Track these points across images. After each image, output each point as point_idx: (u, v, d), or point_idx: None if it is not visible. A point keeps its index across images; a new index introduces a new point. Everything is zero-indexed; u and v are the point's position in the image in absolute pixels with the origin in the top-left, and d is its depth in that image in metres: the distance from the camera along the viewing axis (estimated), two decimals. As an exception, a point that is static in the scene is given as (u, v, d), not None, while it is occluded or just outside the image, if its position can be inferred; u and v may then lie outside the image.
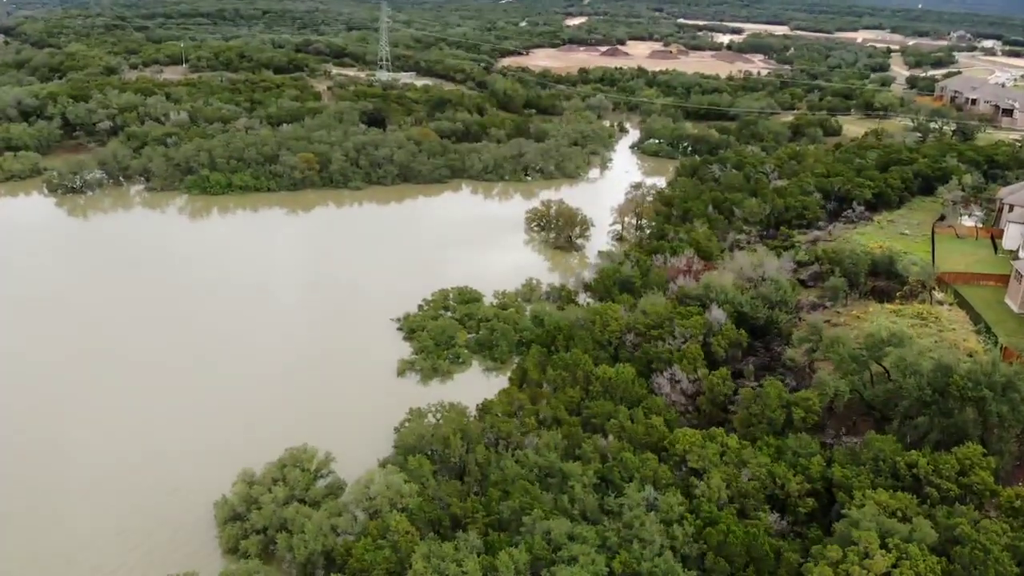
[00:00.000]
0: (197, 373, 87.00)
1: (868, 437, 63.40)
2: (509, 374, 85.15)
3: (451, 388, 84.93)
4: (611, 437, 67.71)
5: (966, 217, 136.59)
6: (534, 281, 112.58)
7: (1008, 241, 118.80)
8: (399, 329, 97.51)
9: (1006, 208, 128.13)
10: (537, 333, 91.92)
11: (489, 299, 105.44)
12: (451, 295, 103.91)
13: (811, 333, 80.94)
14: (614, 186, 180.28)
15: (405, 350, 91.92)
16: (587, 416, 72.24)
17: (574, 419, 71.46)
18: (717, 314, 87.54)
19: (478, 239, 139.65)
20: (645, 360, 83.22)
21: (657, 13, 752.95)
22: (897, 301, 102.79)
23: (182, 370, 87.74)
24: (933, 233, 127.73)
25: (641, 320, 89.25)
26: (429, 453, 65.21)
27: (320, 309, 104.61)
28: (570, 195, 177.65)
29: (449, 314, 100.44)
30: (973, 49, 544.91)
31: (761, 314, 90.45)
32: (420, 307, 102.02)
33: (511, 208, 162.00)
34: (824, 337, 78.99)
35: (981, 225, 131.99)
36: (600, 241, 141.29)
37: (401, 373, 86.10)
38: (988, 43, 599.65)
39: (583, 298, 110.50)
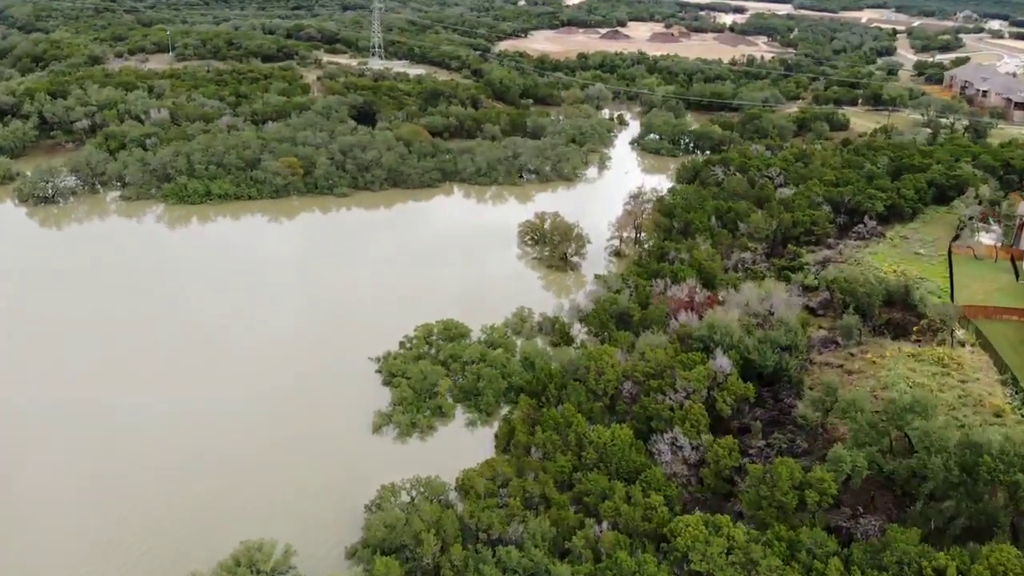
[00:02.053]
0: (146, 437, 79.50)
1: (890, 534, 56.63)
2: (495, 430, 78.39)
3: (431, 447, 78.08)
4: (605, 524, 61.02)
5: (984, 234, 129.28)
6: (525, 311, 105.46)
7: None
8: (378, 371, 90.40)
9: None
10: (527, 379, 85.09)
11: (477, 333, 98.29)
12: (435, 330, 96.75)
13: (825, 394, 74.02)
14: (613, 188, 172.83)
15: (383, 398, 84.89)
16: (579, 492, 65.57)
17: (564, 497, 64.81)
18: (722, 362, 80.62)
19: (468, 254, 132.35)
20: (644, 416, 76.46)
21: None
22: (914, 336, 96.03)
23: (128, 431, 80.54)
24: (950, 254, 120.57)
25: (640, 367, 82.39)
26: (400, 549, 58.36)
27: (295, 345, 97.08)
28: (567, 198, 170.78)
29: (433, 351, 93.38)
30: (980, 31, 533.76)
31: (770, 361, 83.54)
32: (402, 343, 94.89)
33: (504, 215, 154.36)
34: (840, 399, 72.03)
35: (1000, 244, 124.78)
36: (598, 255, 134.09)
37: (377, 429, 79.09)
38: (995, 24, 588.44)
39: (577, 328, 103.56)
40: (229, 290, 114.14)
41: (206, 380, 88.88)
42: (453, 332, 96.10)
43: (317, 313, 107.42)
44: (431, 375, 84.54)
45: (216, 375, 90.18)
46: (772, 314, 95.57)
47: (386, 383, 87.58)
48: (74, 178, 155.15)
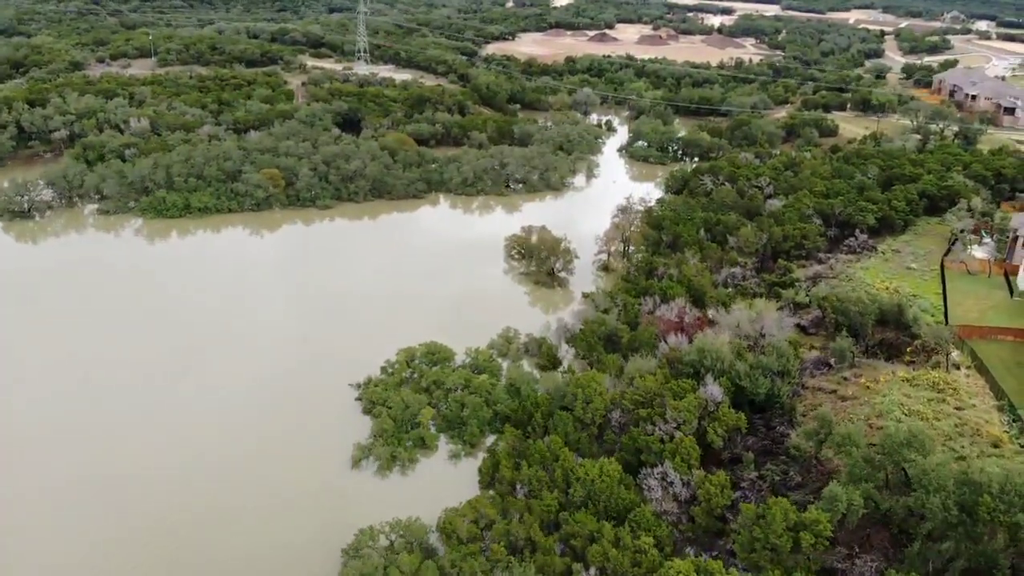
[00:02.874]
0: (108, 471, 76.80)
1: (890, 581, 54.46)
2: (479, 463, 75.79)
3: (413, 482, 75.38)
4: (593, 570, 58.61)
5: (976, 247, 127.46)
6: (511, 331, 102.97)
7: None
8: (358, 399, 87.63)
9: (1020, 241, 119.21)
10: (512, 407, 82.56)
11: (461, 356, 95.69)
12: (418, 354, 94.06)
13: (819, 425, 71.79)
14: (601, 198, 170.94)
15: (363, 428, 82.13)
16: (566, 534, 63.13)
17: (550, 540, 62.37)
18: (713, 390, 78.30)
19: (453, 270, 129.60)
20: (633, 448, 74.12)
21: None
22: (908, 357, 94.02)
23: (93, 464, 77.85)
24: (943, 269, 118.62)
25: (629, 395, 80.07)
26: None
27: (272, 371, 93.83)
28: (554, 208, 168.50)
29: (416, 376, 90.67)
30: (968, 32, 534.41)
31: (762, 388, 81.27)
32: (384, 368, 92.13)
33: (491, 227, 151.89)
34: (834, 432, 69.81)
35: (994, 258, 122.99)
36: (586, 269, 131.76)
37: (357, 463, 76.31)
38: (982, 25, 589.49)
39: (565, 349, 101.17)
40: (204, 309, 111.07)
41: (175, 408, 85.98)
42: (436, 356, 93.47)
43: (296, 334, 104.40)
44: (413, 404, 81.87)
45: (187, 402, 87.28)
46: (763, 336, 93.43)
47: (367, 411, 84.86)
48: (51, 191, 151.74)
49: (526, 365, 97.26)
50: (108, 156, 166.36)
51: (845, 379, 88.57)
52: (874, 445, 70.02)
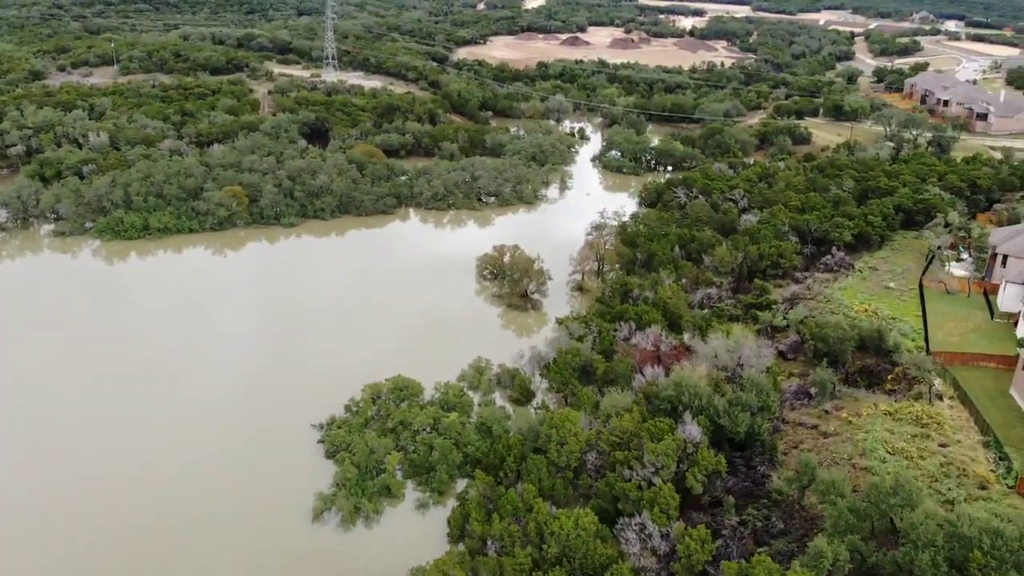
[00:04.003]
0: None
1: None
2: (449, 514, 72.10)
3: (378, 536, 71.41)
4: (567, 640, 55.29)
5: (955, 264, 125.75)
6: (483, 362, 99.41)
7: (1005, 302, 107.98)
8: (320, 442, 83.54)
9: (999, 259, 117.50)
10: (484, 450, 78.98)
11: (430, 392, 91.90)
12: (384, 390, 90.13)
13: (802, 472, 68.95)
14: (575, 212, 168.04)
15: (326, 474, 78.00)
16: (539, 597, 59.73)
17: (523, 604, 58.88)
18: (691, 430, 75.20)
19: (423, 291, 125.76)
20: (610, 495, 70.86)
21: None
22: (889, 385, 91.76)
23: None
24: (922, 288, 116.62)
25: (605, 436, 76.83)
26: None
27: (229, 408, 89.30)
28: (527, 222, 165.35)
29: (382, 414, 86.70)
30: (937, 32, 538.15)
31: (741, 427, 78.34)
32: (348, 407, 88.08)
33: (462, 244, 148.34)
34: (818, 479, 66.93)
35: (972, 275, 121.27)
36: (560, 290, 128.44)
37: (318, 516, 72.29)
38: (951, 25, 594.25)
39: (539, 380, 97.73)
40: (157, 342, 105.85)
41: (123, 454, 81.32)
42: (404, 392, 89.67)
43: (256, 368, 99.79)
44: (378, 449, 77.99)
45: (135, 443, 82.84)
46: (741, 366, 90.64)
47: (329, 456, 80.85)
48: (4, 212, 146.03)
49: (498, 399, 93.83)
50: (65, 173, 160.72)
51: (826, 412, 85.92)
52: (859, 491, 67.34)
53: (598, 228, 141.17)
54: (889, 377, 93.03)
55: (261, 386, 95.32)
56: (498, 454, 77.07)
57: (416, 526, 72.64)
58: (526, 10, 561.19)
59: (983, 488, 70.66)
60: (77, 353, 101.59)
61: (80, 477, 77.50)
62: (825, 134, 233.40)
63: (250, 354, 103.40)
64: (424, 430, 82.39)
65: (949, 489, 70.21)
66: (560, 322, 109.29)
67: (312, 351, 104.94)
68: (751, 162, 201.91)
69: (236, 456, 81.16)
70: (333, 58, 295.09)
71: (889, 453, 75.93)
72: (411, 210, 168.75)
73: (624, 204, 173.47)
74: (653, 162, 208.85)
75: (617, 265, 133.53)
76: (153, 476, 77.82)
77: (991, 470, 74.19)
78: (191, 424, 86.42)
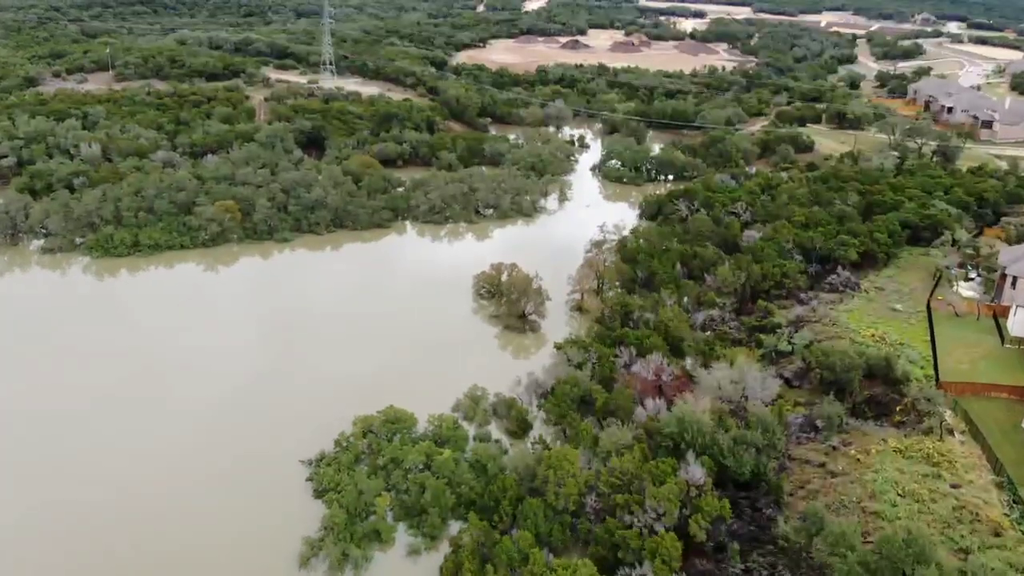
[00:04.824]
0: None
1: None
2: (441, 561, 69.22)
3: (367, 586, 68.75)
4: None
5: (963, 283, 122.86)
6: (479, 390, 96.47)
7: (1016, 326, 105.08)
8: (309, 479, 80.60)
9: (1009, 279, 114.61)
10: (478, 491, 76.08)
11: (424, 424, 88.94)
12: (376, 423, 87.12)
13: (810, 521, 66.09)
14: (574, 224, 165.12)
15: (314, 515, 74.97)
16: (535, 658, 56.93)
17: (518, 667, 56.07)
18: (695, 472, 72.40)
19: (418, 311, 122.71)
20: (609, 543, 68.03)
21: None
22: (897, 417, 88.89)
23: None
24: (929, 311, 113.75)
25: (605, 477, 73.97)
26: None
27: (214, 443, 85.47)
28: (526, 236, 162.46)
29: (373, 449, 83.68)
30: (939, 35, 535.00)
31: (746, 467, 75.52)
32: (338, 442, 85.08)
33: (460, 259, 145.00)
34: (827, 529, 64.06)
35: (981, 296, 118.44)
36: (559, 309, 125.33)
37: (305, 563, 69.28)
38: (953, 27, 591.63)
39: (536, 407, 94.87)
40: (144, 364, 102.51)
41: (99, 480, 78.33)
42: (395, 425, 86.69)
43: (244, 395, 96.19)
44: (368, 491, 75.00)
45: (113, 474, 79.69)
46: (746, 398, 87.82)
47: (318, 496, 77.92)
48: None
49: (494, 431, 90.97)
50: (56, 186, 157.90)
51: (834, 448, 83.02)
52: (870, 541, 64.51)
53: (597, 245, 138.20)
54: (898, 408, 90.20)
55: (249, 414, 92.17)
56: (493, 496, 74.21)
57: (407, 573, 69.72)
58: (526, 12, 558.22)
59: (997, 535, 67.84)
60: (59, 377, 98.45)
61: (53, 503, 74.87)
62: (828, 142, 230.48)
63: (238, 380, 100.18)
64: (416, 468, 79.40)
65: (962, 536, 67.44)
66: (559, 347, 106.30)
67: (304, 374, 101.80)
68: (753, 171, 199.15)
69: (220, 493, 78.18)
70: (331, 64, 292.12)
71: (900, 496, 73.15)
72: (408, 223, 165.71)
73: (624, 216, 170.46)
74: (654, 172, 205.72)
75: (617, 283, 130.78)
76: (132, 510, 74.81)
77: (1005, 514, 71.39)
78: (174, 456, 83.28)
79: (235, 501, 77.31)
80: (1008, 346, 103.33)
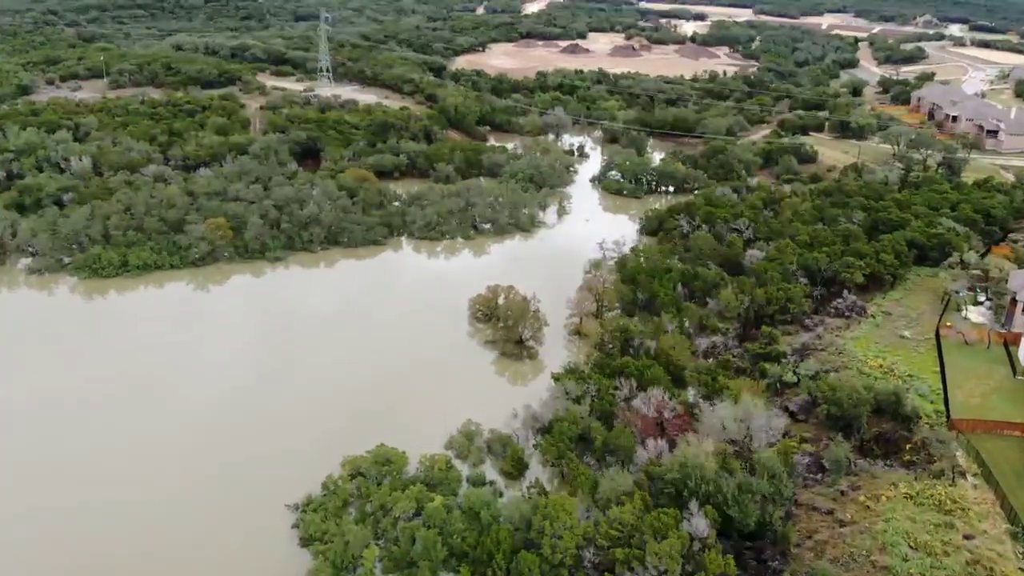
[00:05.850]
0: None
1: None
2: (432, 621, 66.20)
3: (355, 647, 65.62)
4: None
5: (971, 307, 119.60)
6: (473, 425, 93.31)
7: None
8: (294, 527, 77.38)
9: (1020, 307, 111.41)
10: (471, 542, 72.81)
11: (415, 465, 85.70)
12: (365, 464, 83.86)
13: (820, 582, 63.00)
14: (574, 239, 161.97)
15: (299, 566, 71.88)
16: None
17: None
18: (698, 524, 69.24)
19: (412, 334, 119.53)
20: (607, 601, 64.91)
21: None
22: (907, 456, 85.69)
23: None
24: (938, 338, 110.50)
25: (603, 529, 70.79)
26: None
27: (197, 491, 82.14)
28: (524, 252, 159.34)
29: (362, 493, 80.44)
30: (941, 37, 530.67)
31: (752, 518, 72.29)
32: (325, 486, 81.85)
33: (456, 277, 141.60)
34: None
35: (990, 321, 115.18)
36: (557, 333, 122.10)
37: (291, 622, 66.62)
38: (955, 29, 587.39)
39: (532, 445, 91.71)
40: (131, 393, 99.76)
41: (78, 535, 75.26)
42: (384, 467, 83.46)
43: (229, 430, 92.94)
44: (355, 541, 71.80)
45: (93, 521, 76.76)
46: (750, 438, 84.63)
47: (304, 544, 74.74)
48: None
49: (489, 470, 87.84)
50: (45, 201, 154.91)
51: (842, 493, 79.81)
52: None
53: (596, 265, 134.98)
54: (907, 446, 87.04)
55: (233, 449, 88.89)
56: (486, 549, 70.92)
57: (396, 635, 66.66)
58: (525, 15, 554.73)
59: (1015, 593, 64.71)
60: (37, 405, 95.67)
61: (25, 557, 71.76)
62: (831, 151, 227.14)
63: (224, 414, 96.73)
64: (406, 516, 76.18)
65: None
66: (556, 379, 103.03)
67: (292, 406, 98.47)
68: (755, 182, 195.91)
69: (204, 541, 75.14)
70: (328, 71, 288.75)
71: (911, 548, 69.96)
72: (404, 239, 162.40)
73: (624, 231, 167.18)
74: (654, 183, 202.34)
75: (617, 305, 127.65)
76: (111, 560, 71.81)
77: (1020, 568, 68.23)
78: (157, 501, 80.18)
79: (216, 553, 74.11)
80: (1020, 378, 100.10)
